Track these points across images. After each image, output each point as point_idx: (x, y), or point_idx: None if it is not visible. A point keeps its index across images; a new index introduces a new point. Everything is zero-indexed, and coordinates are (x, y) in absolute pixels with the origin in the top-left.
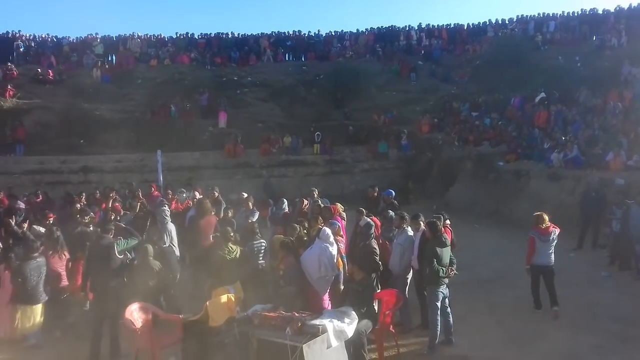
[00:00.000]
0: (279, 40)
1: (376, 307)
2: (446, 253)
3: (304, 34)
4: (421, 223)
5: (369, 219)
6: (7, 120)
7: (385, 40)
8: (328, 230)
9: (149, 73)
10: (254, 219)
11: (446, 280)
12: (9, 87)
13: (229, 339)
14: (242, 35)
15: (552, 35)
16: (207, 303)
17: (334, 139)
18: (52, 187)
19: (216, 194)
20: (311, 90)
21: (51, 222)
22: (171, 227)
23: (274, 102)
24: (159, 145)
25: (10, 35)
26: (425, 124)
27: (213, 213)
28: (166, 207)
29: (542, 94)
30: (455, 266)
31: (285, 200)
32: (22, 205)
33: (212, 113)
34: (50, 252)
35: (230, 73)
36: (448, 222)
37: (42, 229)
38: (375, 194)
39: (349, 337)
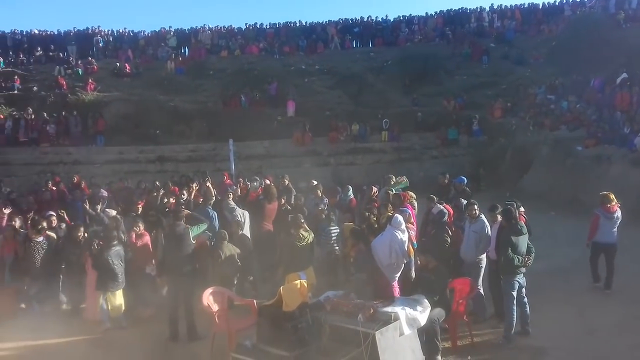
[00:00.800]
0: (346, 27)
1: (449, 296)
2: (522, 241)
3: (372, 19)
4: (498, 216)
5: (442, 207)
6: (89, 112)
7: (455, 22)
8: (400, 217)
9: (220, 64)
10: (324, 207)
11: (523, 270)
12: (90, 81)
13: (302, 324)
14: (309, 23)
15: (634, 12)
16: (281, 288)
17: (402, 125)
18: (130, 176)
19: (286, 182)
20: (379, 76)
21: (140, 209)
22: (242, 212)
23: (342, 90)
24: (231, 135)
25: (90, 31)
26: (497, 109)
27: (284, 200)
28: (231, 194)
29: (624, 75)
30: (533, 255)
31: (350, 187)
32: (104, 193)
33: (281, 102)
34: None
35: (298, 62)
36: (522, 209)
37: (113, 212)
38: (446, 181)
39: (422, 325)
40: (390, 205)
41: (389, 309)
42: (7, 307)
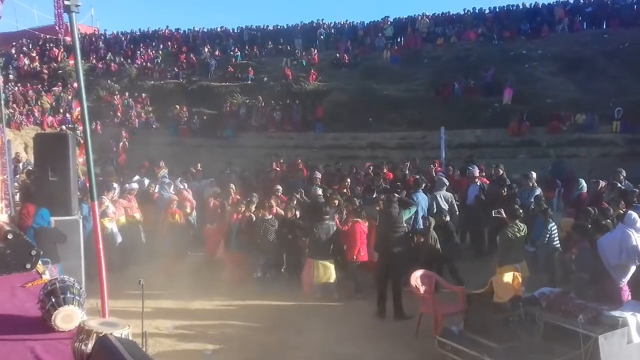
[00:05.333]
0: (576, 8)
1: None
2: None
3: None
4: None
5: None
6: (309, 101)
7: None
8: (635, 215)
9: (435, 52)
10: (537, 199)
11: None
12: (312, 71)
13: (514, 317)
14: (534, 5)
15: None
16: (492, 279)
17: (638, 115)
18: (343, 161)
19: (500, 172)
20: (613, 61)
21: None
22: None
23: (567, 76)
24: (441, 123)
25: (314, 24)
26: None
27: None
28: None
29: None
30: None
31: (582, 180)
32: (318, 175)
33: (497, 89)
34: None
35: (518, 47)
36: None
37: (320, 193)
38: None
39: None
40: (622, 202)
41: (616, 313)
42: (242, 272)
